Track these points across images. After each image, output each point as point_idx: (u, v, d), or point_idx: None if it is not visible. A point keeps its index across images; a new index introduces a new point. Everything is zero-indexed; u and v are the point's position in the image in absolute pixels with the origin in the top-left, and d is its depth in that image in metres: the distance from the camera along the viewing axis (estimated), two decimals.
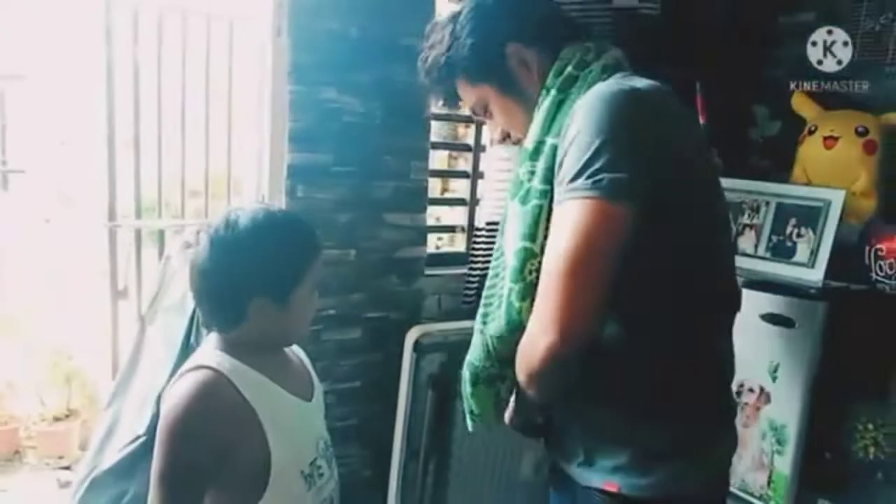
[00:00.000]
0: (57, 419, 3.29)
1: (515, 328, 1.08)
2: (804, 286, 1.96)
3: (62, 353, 3.34)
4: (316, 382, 1.37)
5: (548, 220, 1.04)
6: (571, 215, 0.95)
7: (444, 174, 2.45)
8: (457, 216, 2.69)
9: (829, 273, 1.97)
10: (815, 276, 1.98)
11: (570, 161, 0.97)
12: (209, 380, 1.12)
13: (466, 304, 2.25)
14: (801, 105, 2.25)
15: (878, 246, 1.93)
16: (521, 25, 1.18)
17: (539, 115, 1.12)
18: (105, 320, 2.84)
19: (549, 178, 1.05)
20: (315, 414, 1.33)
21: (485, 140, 2.43)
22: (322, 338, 2.09)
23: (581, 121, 0.98)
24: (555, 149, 1.04)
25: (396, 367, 2.07)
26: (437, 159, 2.55)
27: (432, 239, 2.58)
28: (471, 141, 2.50)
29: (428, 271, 2.29)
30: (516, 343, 1.06)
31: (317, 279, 1.24)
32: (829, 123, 2.13)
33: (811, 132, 2.17)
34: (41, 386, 3.29)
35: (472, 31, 1.18)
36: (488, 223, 2.23)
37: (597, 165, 0.94)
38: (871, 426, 1.89)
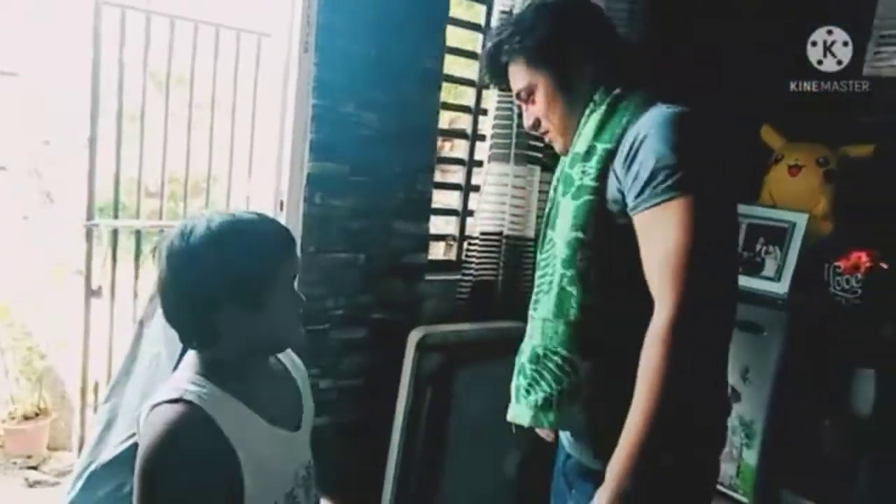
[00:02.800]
0: (27, 418, 3.23)
1: (564, 311, 1.22)
2: (771, 297, 2.19)
3: (34, 350, 3.31)
4: (306, 404, 1.28)
5: (596, 213, 1.19)
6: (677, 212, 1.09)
7: (444, 186, 2.59)
8: (441, 226, 2.83)
9: (793, 286, 2.21)
10: (780, 288, 2.22)
11: (655, 168, 1.10)
12: (185, 419, 1.04)
13: (461, 300, 2.40)
14: (768, 136, 2.48)
15: (836, 263, 2.18)
16: (598, 39, 1.31)
17: (590, 125, 1.25)
18: (78, 319, 2.85)
19: (599, 176, 1.18)
20: (298, 444, 1.24)
21: (479, 156, 2.58)
22: (329, 336, 2.19)
23: (661, 134, 1.11)
24: (606, 152, 1.19)
25: (397, 365, 2.19)
26: None
27: None
28: (463, 155, 2.65)
29: (427, 276, 2.42)
30: (565, 325, 1.20)
31: (292, 276, 1.15)
32: (793, 154, 2.37)
33: (777, 161, 2.40)
34: (12, 384, 3.24)
35: (554, 23, 1.29)
36: (483, 233, 2.40)
37: (681, 173, 1.08)
38: (828, 423, 2.13)
